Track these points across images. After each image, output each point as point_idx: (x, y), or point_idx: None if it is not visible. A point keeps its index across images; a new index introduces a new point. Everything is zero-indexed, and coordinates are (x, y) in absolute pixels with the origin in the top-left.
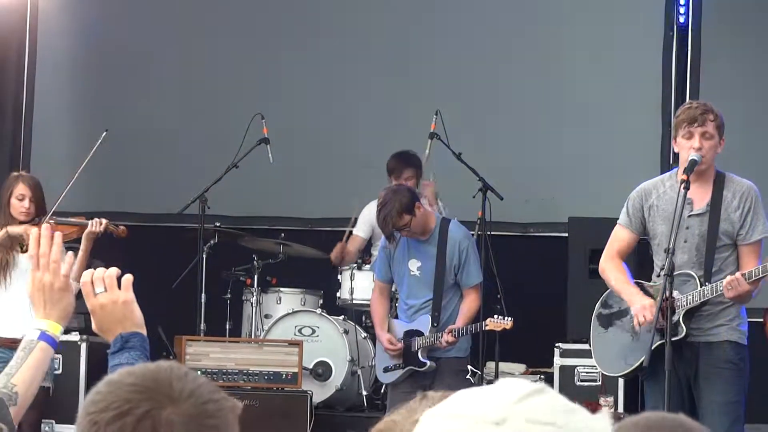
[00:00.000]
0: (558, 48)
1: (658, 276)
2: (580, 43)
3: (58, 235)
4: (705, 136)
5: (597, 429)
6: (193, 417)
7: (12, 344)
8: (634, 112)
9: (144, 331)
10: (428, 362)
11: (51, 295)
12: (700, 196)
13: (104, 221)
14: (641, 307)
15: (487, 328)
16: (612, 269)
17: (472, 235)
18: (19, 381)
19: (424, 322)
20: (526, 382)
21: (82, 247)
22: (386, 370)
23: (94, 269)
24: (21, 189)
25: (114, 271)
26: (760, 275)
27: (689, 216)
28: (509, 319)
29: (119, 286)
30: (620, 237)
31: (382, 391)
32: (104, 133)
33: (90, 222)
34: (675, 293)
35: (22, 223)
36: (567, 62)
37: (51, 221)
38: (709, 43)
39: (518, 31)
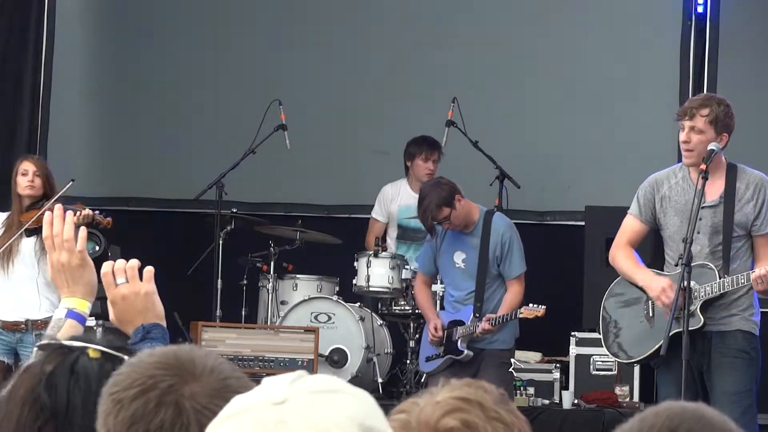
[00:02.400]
0: (575, 36)
1: (676, 265)
2: (598, 32)
3: (69, 214)
4: (694, 130)
5: (365, 393)
6: (216, 391)
7: (15, 327)
8: (651, 101)
9: (164, 323)
10: (465, 351)
11: (71, 273)
12: (713, 187)
13: (90, 213)
14: (661, 289)
15: (521, 315)
16: (622, 257)
17: None
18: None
19: (466, 313)
20: (287, 373)
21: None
22: (428, 359)
23: (113, 260)
24: (25, 165)
25: (135, 262)
26: None
27: (702, 207)
28: (542, 307)
29: (140, 278)
30: (631, 227)
31: (422, 380)
32: (70, 183)
33: (78, 211)
34: (692, 283)
35: (29, 207)
36: (584, 50)
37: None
38: (727, 33)
39: (536, 19)
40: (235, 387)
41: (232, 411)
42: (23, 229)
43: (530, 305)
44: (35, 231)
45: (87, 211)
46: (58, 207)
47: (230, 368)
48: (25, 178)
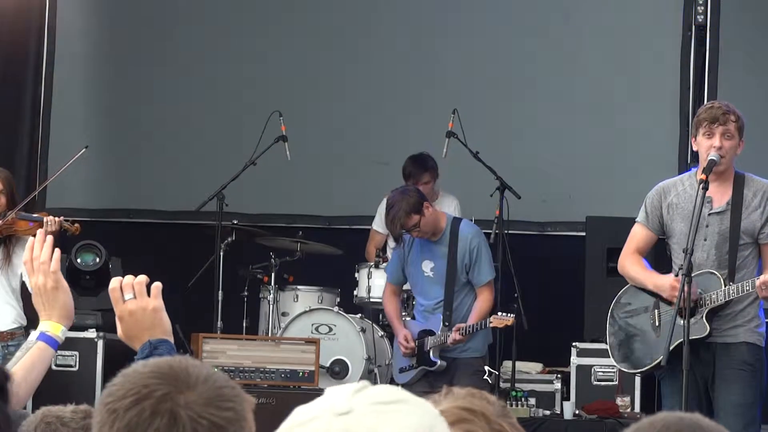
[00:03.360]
0: (575, 46)
1: (677, 275)
2: (598, 42)
3: (49, 239)
4: (726, 136)
5: (428, 404)
6: (210, 400)
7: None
8: (651, 111)
9: (172, 339)
10: (438, 362)
11: (47, 296)
12: (720, 194)
13: (58, 219)
14: (671, 287)
15: (491, 325)
16: (631, 264)
17: (489, 234)
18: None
19: (436, 322)
20: (349, 384)
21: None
22: (402, 370)
23: (114, 272)
24: None
25: (143, 278)
26: None
27: (709, 214)
28: (511, 315)
29: (149, 293)
30: (638, 235)
31: None
32: (84, 149)
33: (45, 220)
34: (699, 291)
35: None
36: (584, 61)
37: (16, 215)
38: (728, 42)
39: (536, 30)
40: (229, 396)
41: (297, 421)
42: None
43: (499, 314)
44: None
45: (51, 218)
46: (41, 232)
47: (224, 378)
48: None
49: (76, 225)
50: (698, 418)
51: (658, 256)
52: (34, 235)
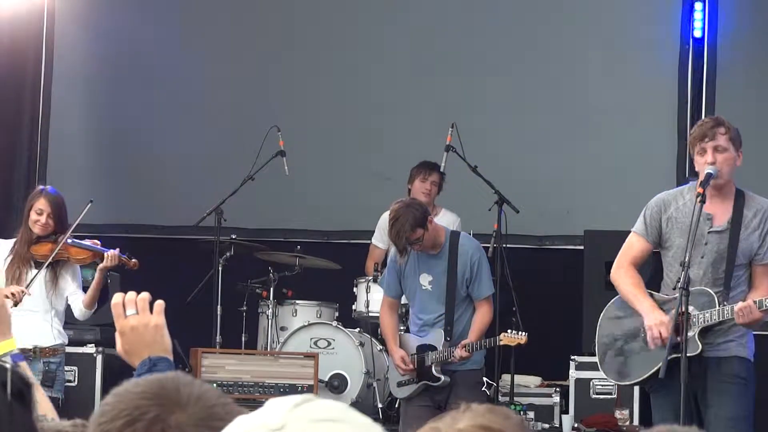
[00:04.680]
0: (573, 61)
1: (674, 288)
2: (596, 56)
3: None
4: (718, 150)
5: (369, 425)
6: (202, 420)
7: (22, 354)
8: (649, 125)
9: (171, 357)
10: (443, 377)
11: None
12: (721, 212)
13: (116, 255)
14: (657, 323)
15: (501, 342)
16: (625, 277)
17: (488, 247)
18: None
19: (437, 337)
20: (294, 396)
21: (96, 278)
22: (400, 384)
23: (112, 287)
24: (41, 204)
25: (146, 295)
26: None
27: (709, 232)
28: (524, 334)
29: (151, 311)
30: (635, 246)
31: (397, 405)
32: (89, 204)
33: (105, 255)
34: (691, 308)
35: (39, 238)
36: (582, 75)
37: (68, 241)
38: (725, 56)
39: (533, 44)
40: (221, 415)
41: None
42: (46, 264)
43: (510, 331)
44: (49, 264)
45: (112, 252)
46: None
47: (216, 395)
48: (39, 217)
49: (134, 260)
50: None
51: (656, 270)
52: (87, 263)
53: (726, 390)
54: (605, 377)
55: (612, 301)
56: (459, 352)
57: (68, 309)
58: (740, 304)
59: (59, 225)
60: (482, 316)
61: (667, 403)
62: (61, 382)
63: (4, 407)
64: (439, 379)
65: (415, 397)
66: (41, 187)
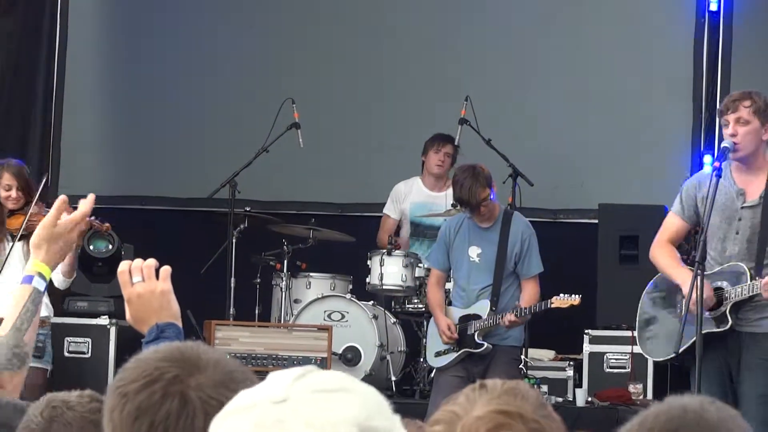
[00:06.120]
0: (588, 33)
1: (713, 264)
2: (611, 30)
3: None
4: (739, 122)
5: (373, 393)
6: (221, 382)
7: None
8: (664, 98)
9: (180, 323)
10: (485, 344)
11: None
12: (754, 186)
13: (87, 220)
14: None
15: (553, 305)
16: (662, 254)
17: None
18: (29, 338)
19: (482, 307)
20: (296, 368)
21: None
22: (438, 354)
23: (127, 258)
24: (6, 179)
25: (152, 261)
26: None
27: (742, 207)
28: (576, 296)
29: (157, 277)
30: (672, 225)
31: (431, 375)
32: (45, 179)
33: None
34: (724, 284)
35: (12, 211)
36: (597, 47)
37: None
38: (740, 31)
39: (549, 18)
40: (240, 379)
41: (235, 407)
42: (18, 235)
43: (562, 295)
44: (23, 236)
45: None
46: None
47: (235, 363)
48: (8, 193)
49: (107, 224)
50: (704, 408)
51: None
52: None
53: (759, 366)
54: (619, 351)
55: (654, 278)
56: (509, 317)
57: (76, 281)
58: (767, 278)
59: (28, 195)
60: (530, 292)
61: (706, 376)
62: (50, 353)
63: None
64: (481, 345)
65: (451, 367)
66: (1, 161)
